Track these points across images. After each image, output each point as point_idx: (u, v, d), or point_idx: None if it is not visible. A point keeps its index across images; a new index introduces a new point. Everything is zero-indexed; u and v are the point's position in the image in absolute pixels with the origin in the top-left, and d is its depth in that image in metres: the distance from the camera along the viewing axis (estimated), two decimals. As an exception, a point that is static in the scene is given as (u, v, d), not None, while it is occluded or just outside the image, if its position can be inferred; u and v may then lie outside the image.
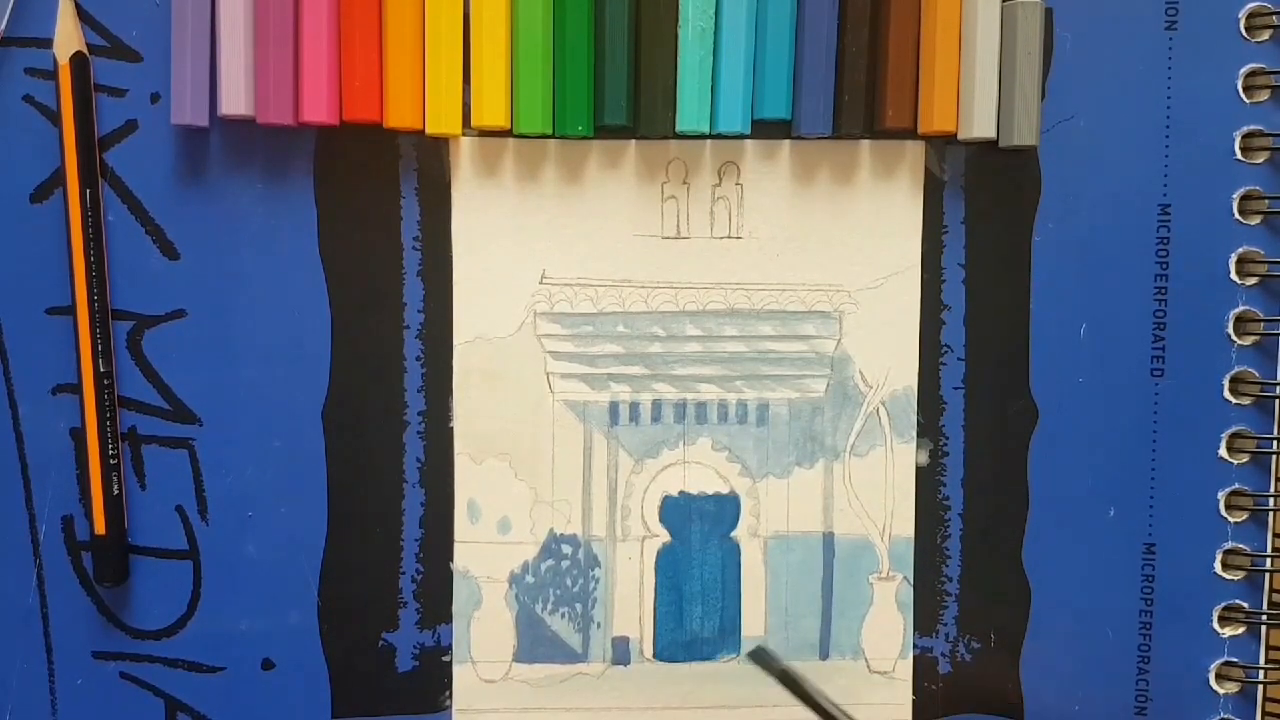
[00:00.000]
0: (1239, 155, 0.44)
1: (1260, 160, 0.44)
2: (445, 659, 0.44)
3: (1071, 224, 0.44)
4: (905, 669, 0.45)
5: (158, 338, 0.43)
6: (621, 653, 0.45)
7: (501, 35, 0.42)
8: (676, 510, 0.45)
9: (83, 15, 0.42)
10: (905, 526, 0.45)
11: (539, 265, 0.44)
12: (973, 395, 0.45)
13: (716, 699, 0.45)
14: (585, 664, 0.45)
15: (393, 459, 0.44)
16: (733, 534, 0.45)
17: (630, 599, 0.45)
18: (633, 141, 0.44)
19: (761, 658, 0.44)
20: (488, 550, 0.44)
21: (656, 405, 0.44)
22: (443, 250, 0.43)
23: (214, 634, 0.44)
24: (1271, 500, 0.45)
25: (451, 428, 0.44)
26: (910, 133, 0.43)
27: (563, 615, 0.45)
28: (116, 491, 0.42)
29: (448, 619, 0.44)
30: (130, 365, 0.43)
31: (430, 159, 0.43)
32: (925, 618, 0.45)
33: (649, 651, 0.45)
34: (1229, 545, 0.45)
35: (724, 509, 0.45)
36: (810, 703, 0.42)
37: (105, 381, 0.42)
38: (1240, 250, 0.45)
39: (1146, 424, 0.45)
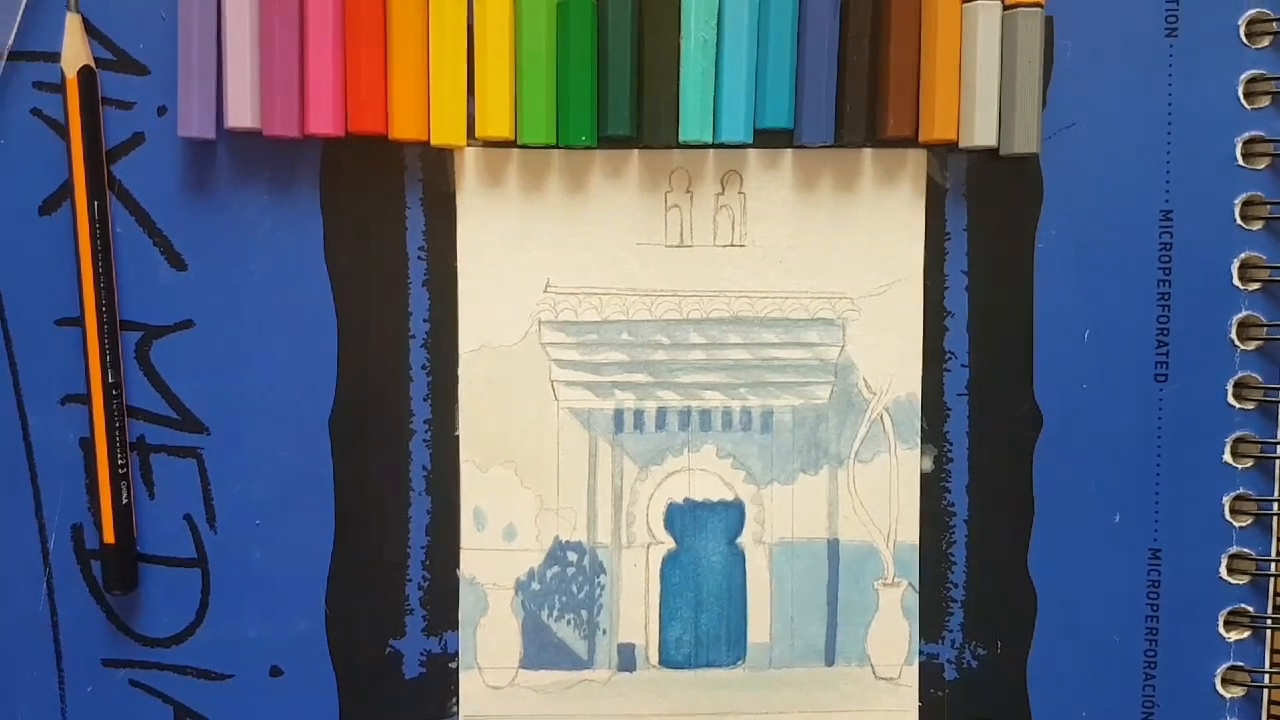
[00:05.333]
0: (1240, 161, 0.44)
1: (1262, 166, 0.44)
2: (452, 666, 0.45)
3: (1074, 231, 0.44)
4: (911, 675, 0.45)
5: (166, 348, 0.43)
6: (627, 659, 0.45)
7: (505, 47, 0.42)
8: (681, 517, 0.45)
9: (90, 29, 0.42)
10: (910, 533, 0.45)
11: (543, 274, 0.44)
12: (976, 402, 0.45)
13: (722, 705, 0.45)
14: (591, 670, 0.45)
15: (399, 467, 0.44)
16: (737, 541, 0.45)
17: (636, 606, 0.45)
18: (636, 151, 0.44)
19: None
20: (494, 557, 0.44)
21: (661, 413, 0.45)
22: (448, 260, 0.44)
23: (222, 641, 0.44)
24: (1276, 505, 0.45)
25: (457, 436, 0.44)
26: (912, 141, 0.44)
27: (568, 622, 0.45)
28: (125, 500, 0.43)
29: (454, 626, 0.44)
30: (139, 375, 0.43)
31: (435, 170, 0.44)
32: (931, 624, 0.45)
33: (654, 658, 0.45)
34: (1234, 550, 0.45)
35: (729, 516, 0.45)
36: None
37: (114, 392, 0.42)
38: (1242, 256, 0.45)
39: (1150, 429, 0.45)
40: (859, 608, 0.45)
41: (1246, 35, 0.44)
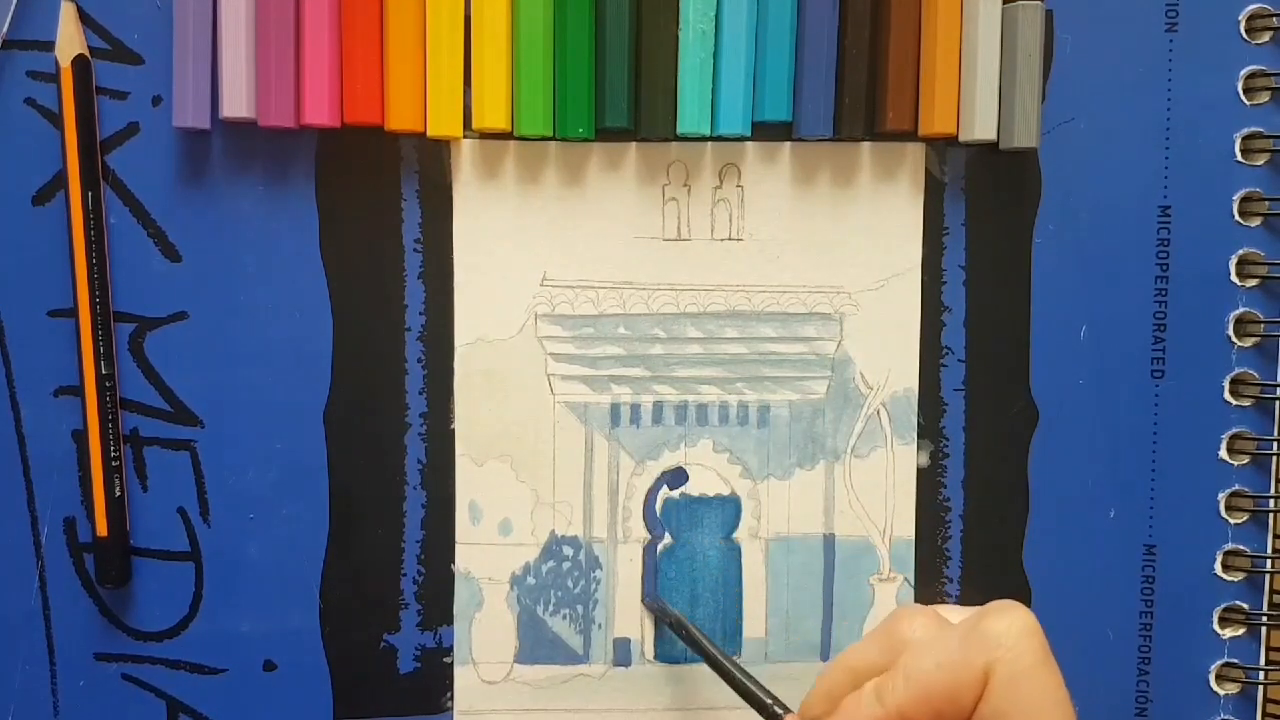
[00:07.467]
0: (1239, 157, 0.44)
1: (1260, 162, 0.44)
2: (447, 660, 0.44)
3: (1072, 226, 0.44)
4: (906, 670, 0.45)
5: (159, 340, 0.43)
6: (622, 654, 0.45)
7: (503, 38, 0.42)
8: (677, 512, 0.45)
9: (84, 18, 0.42)
10: (906, 528, 0.45)
11: (540, 267, 0.44)
12: (973, 397, 0.45)
13: (717, 700, 0.45)
14: (586, 665, 0.45)
15: (394, 461, 0.44)
16: (734, 535, 0.45)
17: (631, 600, 0.45)
18: (633, 144, 0.44)
19: (656, 606, 0.44)
20: (489, 552, 0.44)
21: (657, 407, 0.45)
22: (444, 252, 0.44)
23: (216, 635, 0.44)
24: (1272, 501, 0.45)
25: (453, 429, 0.44)
26: (911, 135, 0.43)
27: (564, 616, 0.45)
28: (118, 493, 0.43)
29: (449, 620, 0.44)
30: (132, 367, 0.43)
31: (431, 161, 0.43)
32: (926, 619, 0.45)
33: (650, 653, 0.45)
34: (1229, 546, 0.45)
35: (725, 510, 0.45)
36: (700, 649, 0.41)
37: (107, 383, 0.42)
38: (1240, 252, 0.45)
39: (1147, 425, 0.45)
40: (855, 603, 0.45)
41: (1246, 31, 0.44)
